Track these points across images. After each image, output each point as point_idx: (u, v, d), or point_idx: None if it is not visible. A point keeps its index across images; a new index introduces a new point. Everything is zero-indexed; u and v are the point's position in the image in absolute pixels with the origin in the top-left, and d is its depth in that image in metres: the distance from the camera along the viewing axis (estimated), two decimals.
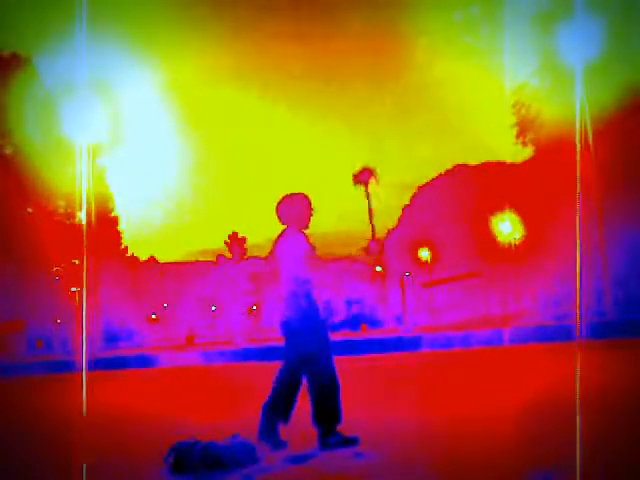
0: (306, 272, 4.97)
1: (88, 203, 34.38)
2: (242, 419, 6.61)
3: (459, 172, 60.19)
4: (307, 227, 5.15)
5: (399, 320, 47.01)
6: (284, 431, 4.93)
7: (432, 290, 56.75)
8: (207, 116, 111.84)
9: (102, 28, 37.24)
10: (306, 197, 5.19)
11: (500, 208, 42.50)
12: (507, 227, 44.06)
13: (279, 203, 5.17)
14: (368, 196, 61.85)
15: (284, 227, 5.14)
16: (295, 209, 5.12)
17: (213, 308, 71.75)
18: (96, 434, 5.90)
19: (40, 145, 36.48)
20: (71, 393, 10.75)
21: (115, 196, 50.95)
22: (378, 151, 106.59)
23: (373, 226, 56.65)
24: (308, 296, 4.95)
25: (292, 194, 5.20)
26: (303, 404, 4.94)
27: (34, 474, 4.82)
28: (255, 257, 76.08)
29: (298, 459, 4.49)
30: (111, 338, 48.95)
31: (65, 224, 41.91)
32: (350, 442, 4.74)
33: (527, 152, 36.94)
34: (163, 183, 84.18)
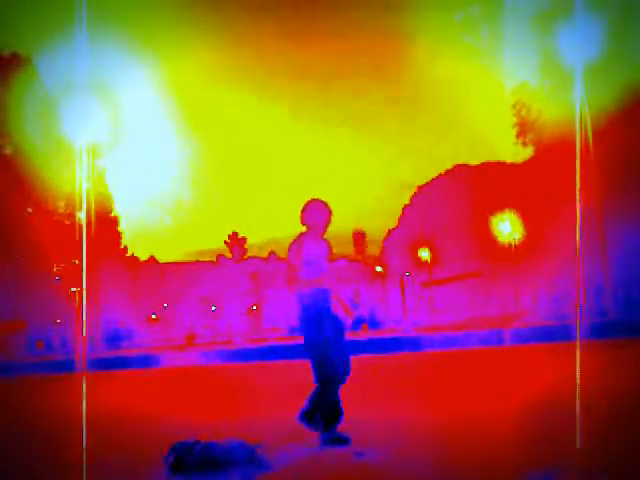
0: (323, 273, 5.13)
1: (88, 203, 34.38)
2: (242, 419, 6.62)
3: (459, 172, 60.23)
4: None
5: (399, 320, 47.03)
6: (285, 430, 4.93)
7: (432, 290, 56.75)
8: (207, 116, 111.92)
9: (102, 28, 37.28)
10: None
11: (500, 208, 42.53)
12: (507, 227, 44.07)
13: (310, 206, 5.25)
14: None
15: (304, 230, 5.22)
16: (324, 216, 5.25)
17: (213, 308, 71.78)
18: (96, 434, 5.89)
19: (40, 145, 36.50)
20: (71, 393, 10.75)
21: (115, 196, 51.04)
22: (378, 151, 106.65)
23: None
24: (314, 296, 5.04)
25: (321, 200, 5.30)
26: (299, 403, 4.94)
27: (34, 474, 4.82)
28: (255, 257, 76.20)
29: (298, 458, 4.49)
30: (111, 338, 48.94)
31: (65, 224, 41.91)
32: (342, 441, 4.78)
33: (527, 152, 36.98)
34: (163, 183, 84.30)
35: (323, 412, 4.86)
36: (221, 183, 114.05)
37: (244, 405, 7.77)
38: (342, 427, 4.87)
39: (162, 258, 77.33)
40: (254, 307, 69.94)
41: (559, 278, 37.77)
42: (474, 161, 60.28)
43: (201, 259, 78.72)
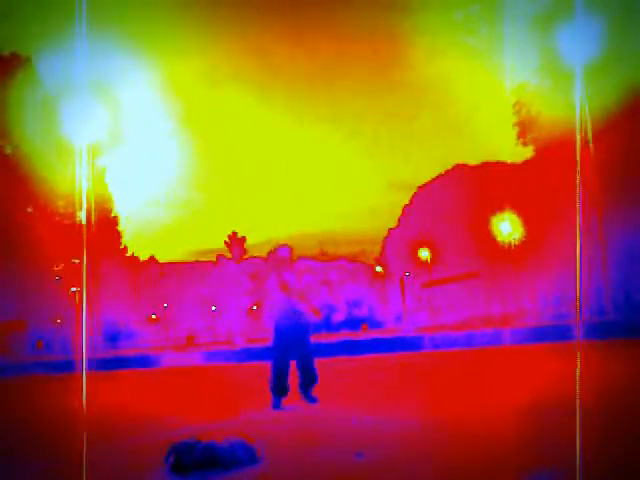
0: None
1: (88, 203, 34.36)
2: (242, 419, 6.62)
3: (459, 172, 60.21)
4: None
5: (399, 320, 47.07)
6: (286, 429, 4.92)
7: (432, 290, 56.73)
8: (207, 116, 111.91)
9: (102, 28, 37.25)
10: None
11: (500, 208, 42.50)
12: (507, 227, 44.04)
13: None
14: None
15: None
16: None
17: (213, 308, 71.74)
18: (96, 434, 5.90)
19: (40, 145, 36.49)
20: (71, 393, 10.75)
21: (115, 196, 51.02)
22: (378, 151, 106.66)
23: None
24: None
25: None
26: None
27: (34, 474, 4.82)
28: (255, 257, 76.12)
29: (298, 458, 4.49)
30: (111, 338, 48.97)
31: (65, 224, 41.88)
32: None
33: (527, 152, 36.96)
34: (163, 183, 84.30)
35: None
36: (221, 183, 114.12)
37: (244, 405, 7.77)
38: (342, 426, 4.86)
39: (162, 258, 77.31)
40: (254, 307, 69.88)
41: (559, 278, 37.75)
42: (474, 161, 60.28)
43: (201, 259, 78.71)
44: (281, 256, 7.73)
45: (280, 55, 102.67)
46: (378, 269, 69.33)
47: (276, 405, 7.22)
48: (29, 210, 42.14)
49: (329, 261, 72.85)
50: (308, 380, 7.35)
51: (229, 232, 74.58)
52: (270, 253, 7.89)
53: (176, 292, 73.01)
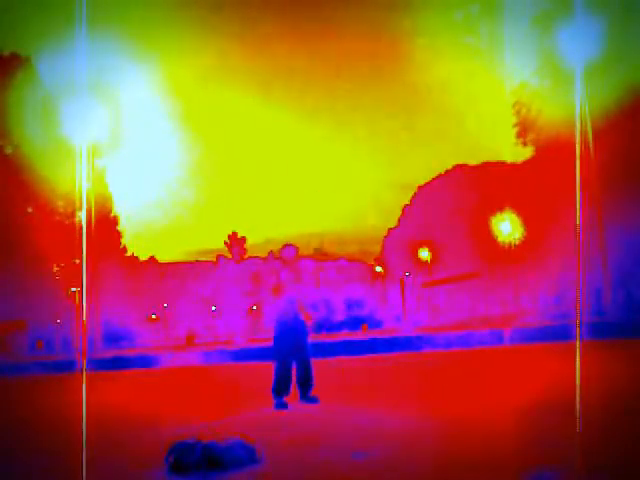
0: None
1: (88, 203, 34.34)
2: (242, 419, 6.62)
3: (459, 172, 60.21)
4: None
5: (399, 320, 47.05)
6: (286, 429, 4.92)
7: (432, 290, 56.73)
8: (207, 116, 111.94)
9: (102, 28, 37.22)
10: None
11: (500, 208, 42.50)
12: (507, 227, 44.04)
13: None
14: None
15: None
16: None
17: (213, 308, 71.69)
18: (96, 434, 5.90)
19: (40, 145, 36.46)
20: (71, 393, 10.76)
21: (115, 196, 50.97)
22: (379, 151, 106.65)
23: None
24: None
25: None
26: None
27: (34, 474, 4.81)
28: (255, 257, 76.11)
29: (298, 458, 4.49)
30: (111, 338, 48.93)
31: (65, 224, 41.86)
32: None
33: (527, 152, 36.93)
34: (163, 183, 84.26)
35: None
36: (221, 183, 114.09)
37: (244, 405, 7.77)
38: (342, 426, 4.86)
39: (162, 258, 77.28)
40: (254, 307, 69.85)
41: (559, 278, 37.73)
42: (474, 161, 60.28)
43: (201, 259, 78.73)
44: (283, 256, 7.83)
45: (280, 55, 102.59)
46: (378, 269, 69.35)
47: (279, 405, 7.20)
48: (29, 210, 42.11)
49: (329, 261, 72.87)
50: (305, 383, 7.40)
51: (229, 232, 74.54)
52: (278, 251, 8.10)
53: (176, 292, 72.98)
